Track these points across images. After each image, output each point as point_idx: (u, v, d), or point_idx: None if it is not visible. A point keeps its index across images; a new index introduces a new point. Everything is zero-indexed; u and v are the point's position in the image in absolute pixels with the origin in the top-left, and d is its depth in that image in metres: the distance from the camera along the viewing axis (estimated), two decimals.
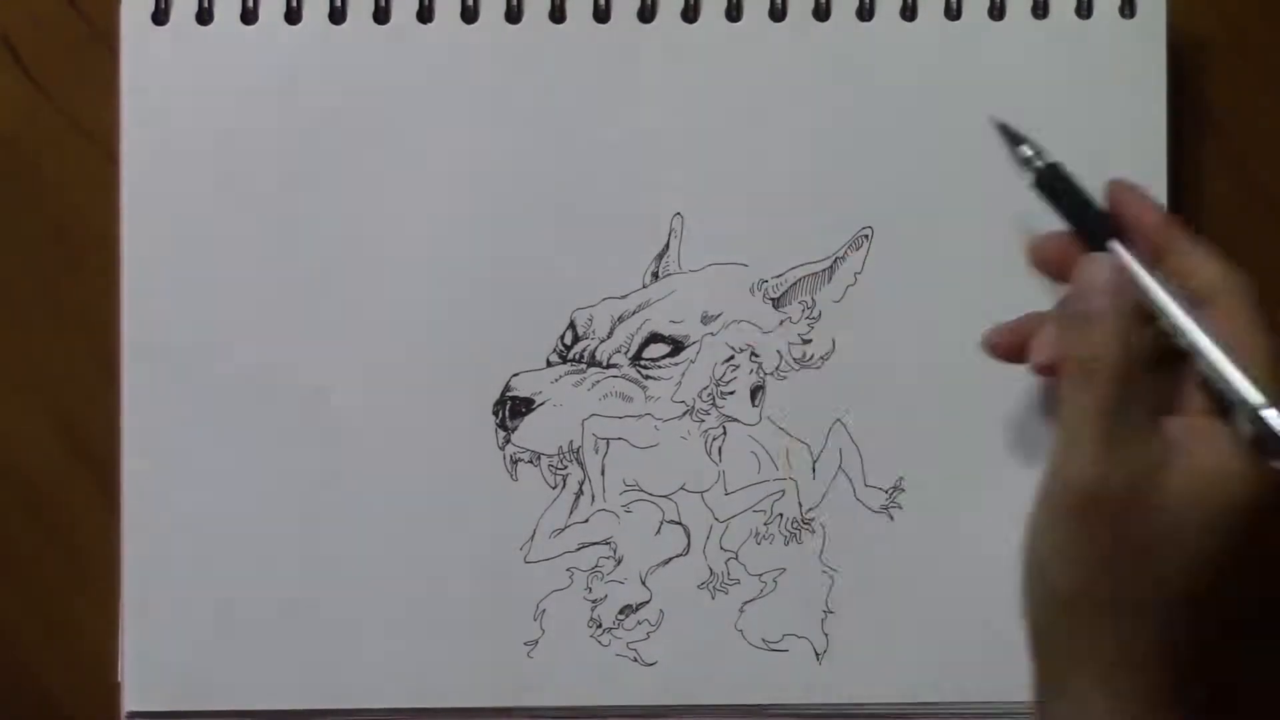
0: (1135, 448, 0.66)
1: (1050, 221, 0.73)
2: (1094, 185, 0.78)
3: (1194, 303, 0.68)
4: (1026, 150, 0.73)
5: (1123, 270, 0.69)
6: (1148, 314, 0.68)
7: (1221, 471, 0.66)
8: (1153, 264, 0.69)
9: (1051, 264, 0.73)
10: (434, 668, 0.79)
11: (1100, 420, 0.66)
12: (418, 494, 0.79)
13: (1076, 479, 0.67)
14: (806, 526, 0.79)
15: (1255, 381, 0.66)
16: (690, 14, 0.80)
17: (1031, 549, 0.69)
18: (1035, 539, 0.69)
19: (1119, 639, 0.67)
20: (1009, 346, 0.74)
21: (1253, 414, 0.65)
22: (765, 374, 0.79)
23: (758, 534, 0.79)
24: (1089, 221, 0.72)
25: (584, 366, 0.79)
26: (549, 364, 0.79)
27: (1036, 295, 0.79)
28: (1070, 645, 0.68)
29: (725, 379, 0.79)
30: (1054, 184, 0.73)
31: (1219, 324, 0.68)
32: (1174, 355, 0.68)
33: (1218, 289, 0.68)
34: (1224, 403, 0.67)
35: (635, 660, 0.79)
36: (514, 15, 0.80)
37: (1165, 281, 0.69)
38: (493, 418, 0.79)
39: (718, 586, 0.79)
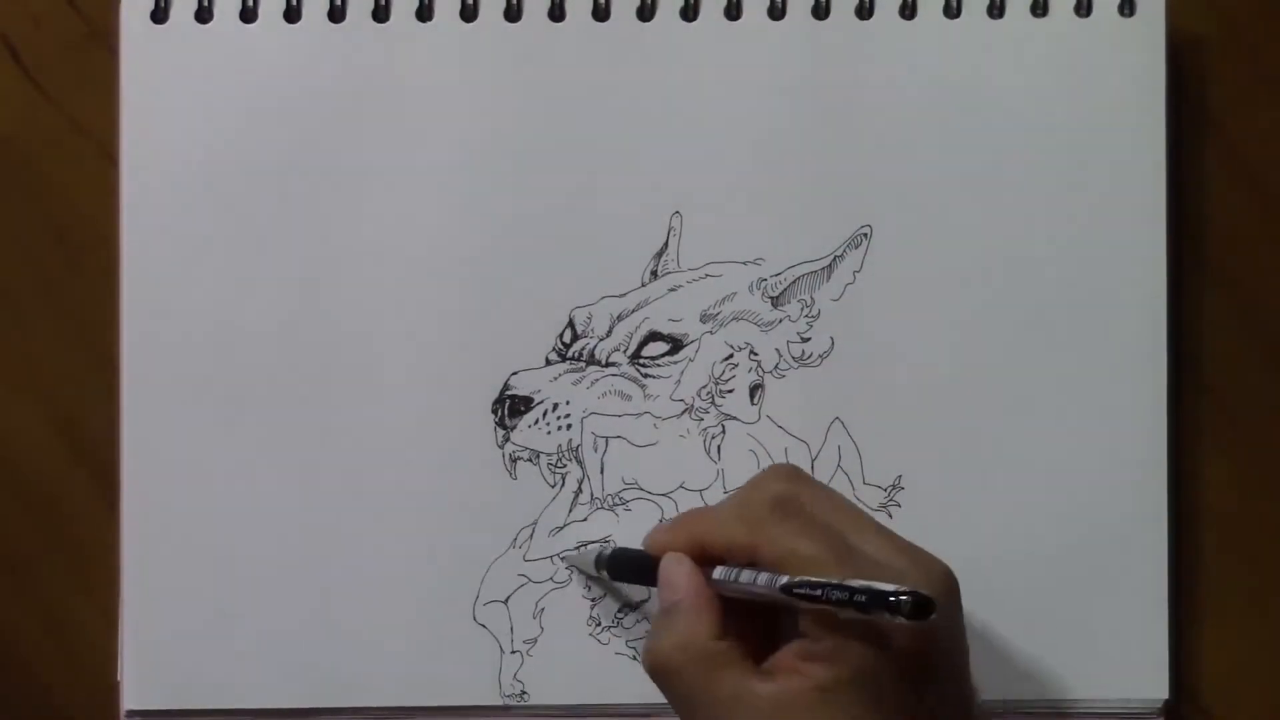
0: (743, 711, 0.67)
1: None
2: (1094, 185, 0.79)
3: (744, 557, 0.70)
4: (601, 555, 0.78)
5: (682, 569, 0.72)
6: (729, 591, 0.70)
7: (833, 678, 0.66)
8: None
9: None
10: (433, 666, 0.79)
11: (695, 706, 0.69)
12: (417, 492, 0.79)
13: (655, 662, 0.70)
14: None
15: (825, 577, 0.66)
16: (690, 13, 0.80)
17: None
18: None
19: None
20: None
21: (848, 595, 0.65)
22: (764, 372, 0.79)
23: None
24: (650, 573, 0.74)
25: (583, 365, 0.79)
26: (548, 362, 0.79)
27: (1036, 294, 0.79)
28: None
29: (724, 377, 0.79)
30: (621, 562, 0.77)
31: (768, 559, 0.68)
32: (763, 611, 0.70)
33: (744, 536, 0.70)
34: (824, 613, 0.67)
35: (634, 659, 0.79)
36: (514, 15, 0.80)
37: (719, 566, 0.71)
38: (492, 416, 0.79)
39: None
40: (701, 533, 0.72)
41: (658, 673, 0.70)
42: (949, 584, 0.68)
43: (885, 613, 0.63)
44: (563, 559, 0.79)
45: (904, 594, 0.63)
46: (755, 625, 0.70)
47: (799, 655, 0.67)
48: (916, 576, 0.66)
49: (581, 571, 0.79)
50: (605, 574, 0.77)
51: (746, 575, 0.69)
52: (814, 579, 0.65)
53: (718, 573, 0.70)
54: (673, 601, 0.71)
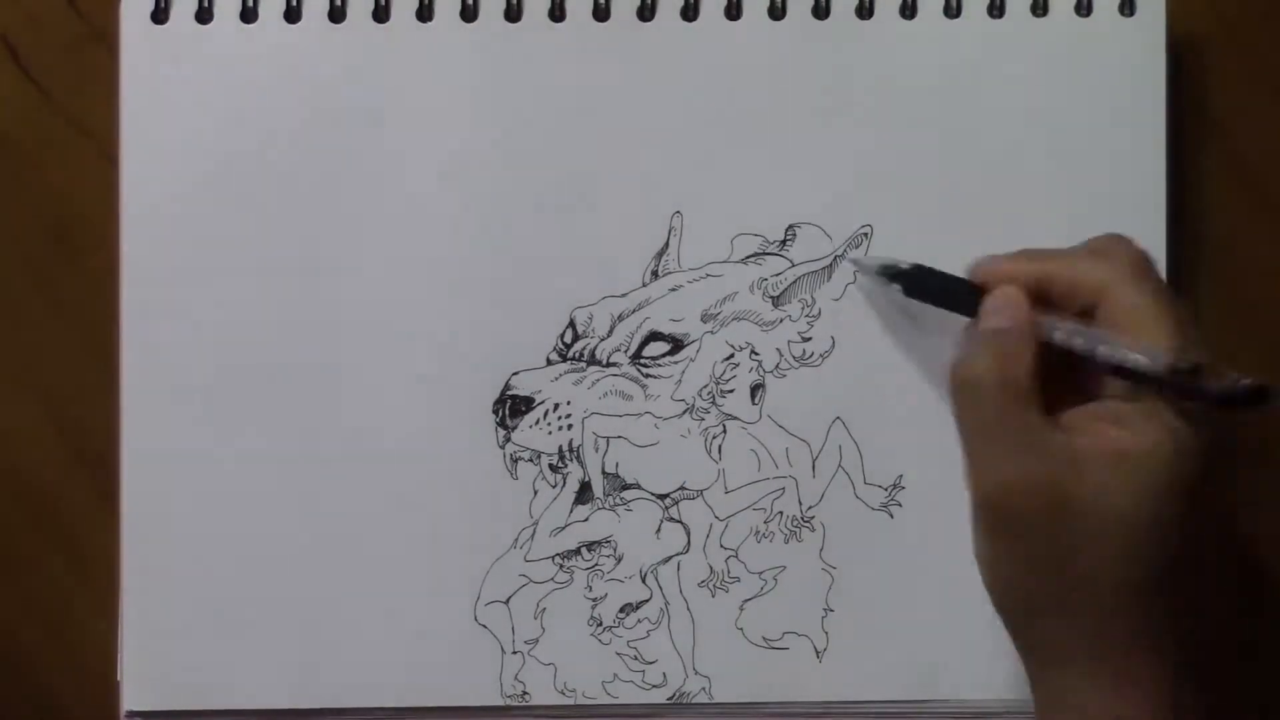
0: (1039, 450, 0.67)
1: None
2: (1094, 185, 0.79)
3: (1092, 298, 0.70)
4: (887, 266, 0.77)
5: (1015, 301, 0.71)
6: (1046, 337, 0.70)
7: (1129, 450, 0.66)
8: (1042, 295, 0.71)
9: None
10: (433, 667, 0.79)
11: (991, 430, 0.68)
12: (418, 493, 0.79)
13: (986, 492, 0.68)
14: (806, 525, 0.79)
15: (1171, 350, 0.67)
16: (690, 13, 0.80)
17: (976, 554, 0.70)
18: (976, 545, 0.70)
19: (1078, 634, 0.67)
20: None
21: (1162, 365, 0.66)
22: (765, 372, 0.79)
23: (758, 532, 0.79)
24: (966, 299, 0.73)
25: (584, 365, 0.79)
26: (549, 362, 0.79)
27: None
28: (1035, 637, 0.69)
29: (725, 377, 0.79)
30: (924, 282, 0.76)
31: (1118, 308, 0.69)
32: (1074, 374, 0.70)
33: (1105, 283, 0.69)
34: (1134, 380, 0.67)
35: (635, 658, 0.79)
36: (514, 15, 0.80)
37: (1047, 314, 0.70)
38: (493, 416, 0.79)
39: (718, 585, 0.79)
40: (1048, 266, 0.71)
41: (965, 388, 0.69)
42: None
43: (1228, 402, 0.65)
44: (850, 260, 0.79)
45: (1251, 382, 0.64)
46: (1057, 375, 0.70)
47: (1099, 417, 0.67)
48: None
49: (863, 276, 0.78)
50: (898, 288, 0.76)
51: (1092, 337, 0.69)
52: (1179, 364, 0.66)
53: (1060, 332, 0.70)
54: (998, 327, 0.70)
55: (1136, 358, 0.67)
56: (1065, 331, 0.69)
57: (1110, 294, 0.69)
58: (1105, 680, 0.67)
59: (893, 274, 0.77)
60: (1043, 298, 0.71)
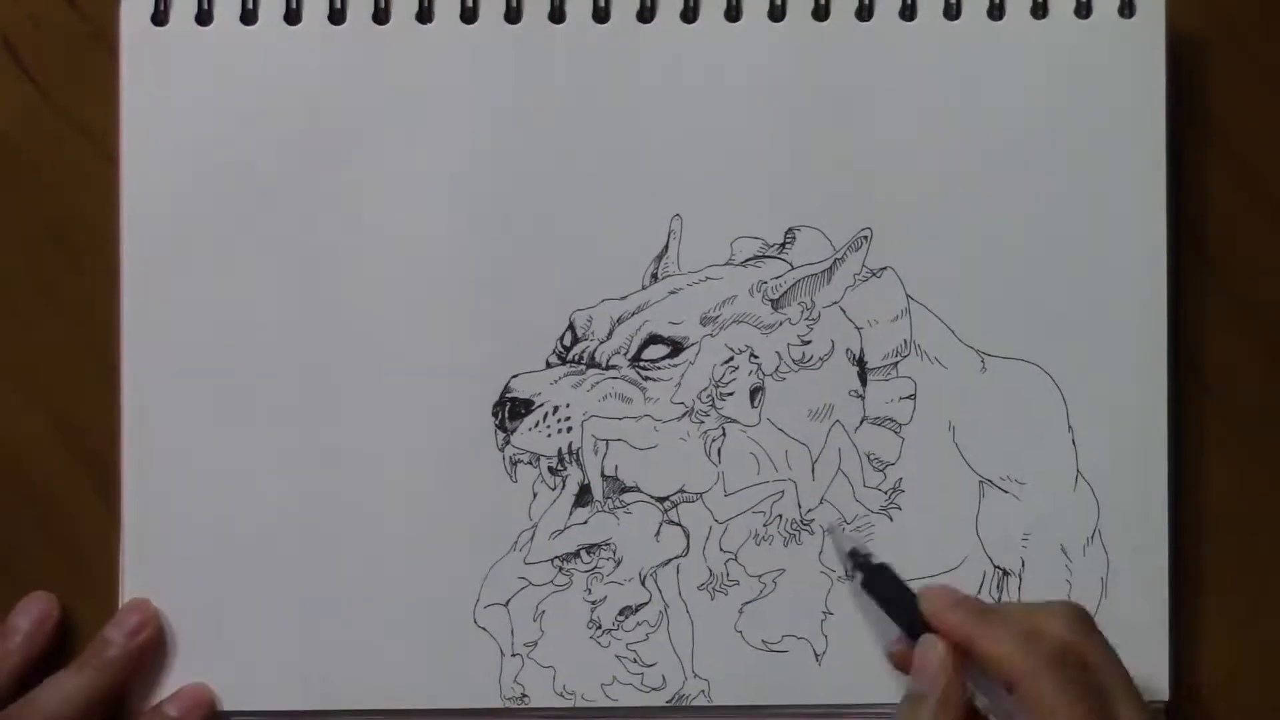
0: None
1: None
2: (1094, 185, 0.79)
3: (1008, 681, 0.71)
4: (858, 552, 0.78)
5: (945, 659, 0.73)
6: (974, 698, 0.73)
7: None
8: (964, 653, 0.73)
9: (901, 660, 0.77)
10: (432, 669, 0.79)
11: None
12: (417, 495, 0.79)
13: None
14: (805, 528, 0.79)
15: None
16: (690, 14, 0.80)
17: None
18: None
19: None
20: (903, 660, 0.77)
21: None
22: (764, 375, 0.79)
23: (757, 535, 0.79)
24: (910, 621, 0.75)
25: (583, 368, 0.79)
26: (548, 365, 0.79)
27: (1035, 294, 0.79)
28: None
29: (724, 380, 0.79)
30: (880, 582, 0.77)
31: (1030, 702, 0.70)
32: None
33: (1020, 669, 0.70)
34: None
35: (635, 661, 0.79)
36: (514, 15, 0.80)
37: (975, 672, 0.73)
38: (492, 419, 0.79)
39: (717, 588, 0.79)
40: (979, 638, 0.72)
41: None
42: None
43: None
44: (828, 530, 0.79)
45: None
46: None
47: None
48: None
49: (834, 545, 0.79)
50: (858, 576, 0.77)
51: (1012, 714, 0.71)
52: None
53: (975, 689, 0.73)
54: (921, 692, 0.73)
55: None
56: (992, 706, 0.73)
57: (1024, 685, 0.70)
58: None
59: (859, 562, 0.78)
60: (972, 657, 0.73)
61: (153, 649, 0.79)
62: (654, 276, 0.79)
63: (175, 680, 0.80)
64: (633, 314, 0.79)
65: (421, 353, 0.79)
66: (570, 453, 0.79)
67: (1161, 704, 0.79)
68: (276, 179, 0.80)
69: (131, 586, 0.80)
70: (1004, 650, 0.71)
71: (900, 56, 0.80)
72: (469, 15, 0.80)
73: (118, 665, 0.78)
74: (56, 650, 0.81)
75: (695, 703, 0.79)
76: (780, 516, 0.79)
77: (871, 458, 0.79)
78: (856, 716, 0.80)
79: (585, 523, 0.79)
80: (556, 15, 0.80)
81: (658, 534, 0.79)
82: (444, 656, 0.79)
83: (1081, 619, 0.73)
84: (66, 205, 0.82)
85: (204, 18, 0.80)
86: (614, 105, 0.80)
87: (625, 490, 0.79)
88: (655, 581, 0.79)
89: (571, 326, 0.79)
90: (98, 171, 0.81)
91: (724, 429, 0.79)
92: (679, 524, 0.79)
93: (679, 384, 0.79)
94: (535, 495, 0.79)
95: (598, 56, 0.80)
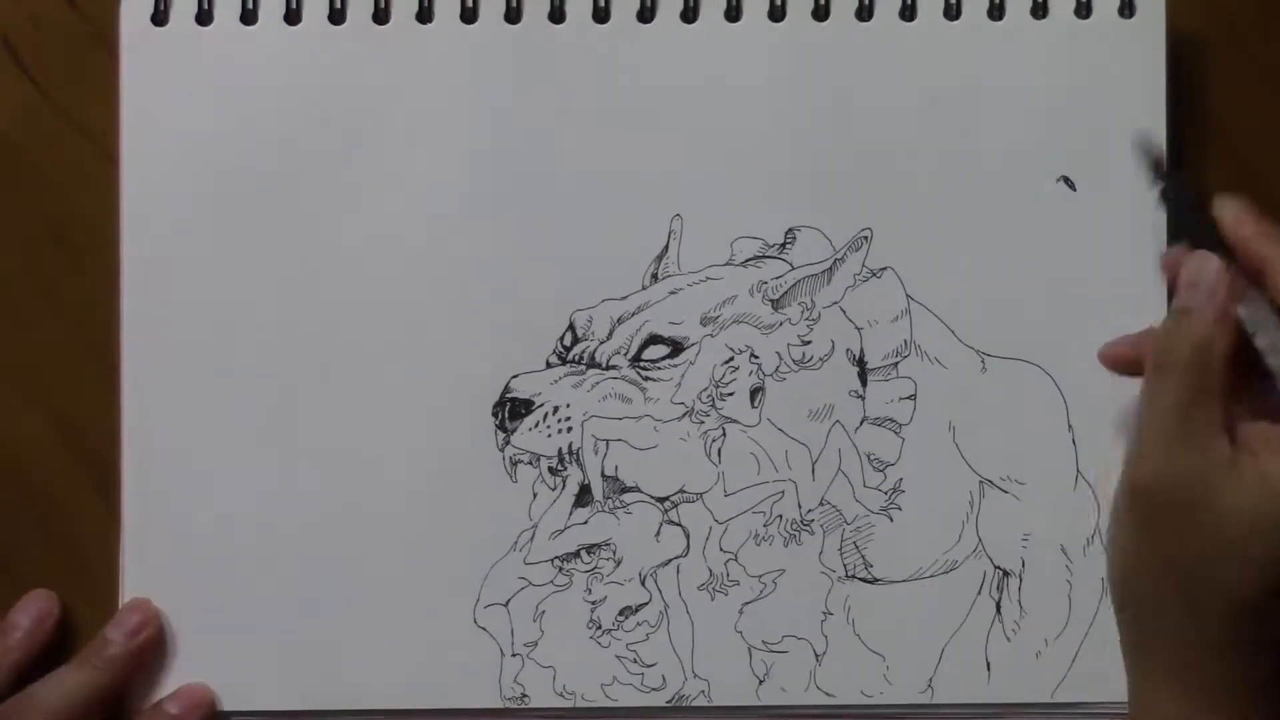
0: (1202, 449, 0.66)
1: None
2: (1095, 188, 0.79)
3: None
4: (1160, 162, 0.75)
5: (1223, 276, 0.69)
6: (1244, 327, 0.69)
7: None
8: (1253, 281, 0.69)
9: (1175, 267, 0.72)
10: (433, 668, 0.79)
11: (1168, 417, 0.67)
12: (417, 495, 0.79)
13: (1138, 476, 0.68)
14: (806, 528, 0.79)
15: None
16: (690, 14, 0.80)
17: (1109, 541, 0.70)
18: (1111, 531, 0.70)
19: (1181, 637, 0.67)
20: (1121, 359, 0.75)
21: None
22: (765, 375, 0.79)
23: (757, 535, 0.79)
24: (1201, 231, 0.71)
25: (583, 368, 0.79)
26: (548, 365, 0.79)
27: (1035, 295, 0.79)
28: (1138, 635, 0.69)
29: (725, 380, 0.79)
30: (1176, 194, 0.74)
31: None
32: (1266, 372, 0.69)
33: None
34: None
35: (635, 661, 0.79)
36: (514, 15, 0.80)
37: (1260, 299, 0.69)
38: (492, 419, 0.79)
39: (717, 588, 0.79)
40: (1273, 262, 0.69)
41: (1159, 358, 0.68)
42: None
43: None
44: (1135, 140, 0.76)
45: None
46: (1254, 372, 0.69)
47: (1266, 442, 0.66)
48: None
49: (1140, 151, 0.76)
50: (1158, 189, 0.74)
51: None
52: None
53: (1245, 315, 0.68)
54: (1189, 306, 0.69)
55: None
56: (1268, 339, 0.68)
57: None
58: (1193, 691, 0.67)
59: (1162, 173, 0.75)
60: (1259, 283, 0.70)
61: (153, 649, 0.79)
62: (654, 276, 0.79)
63: (175, 680, 0.80)
64: (633, 314, 0.79)
65: (421, 353, 0.79)
66: (570, 453, 0.79)
67: None
68: (276, 179, 0.80)
69: (131, 586, 0.80)
70: None
71: (900, 56, 0.80)
72: (469, 15, 0.80)
73: (118, 664, 0.78)
74: (56, 648, 0.81)
75: (695, 703, 0.79)
76: (780, 517, 0.79)
77: (871, 458, 0.79)
78: (856, 716, 0.80)
79: (585, 523, 0.79)
80: (556, 15, 0.80)
81: (658, 534, 0.79)
82: (444, 656, 0.79)
83: None
84: (66, 205, 0.82)
85: (204, 18, 0.80)
86: (614, 105, 0.80)
87: (625, 490, 0.79)
88: (655, 582, 0.79)
89: (572, 326, 0.79)
90: (98, 171, 0.81)
91: (724, 429, 0.79)
92: (679, 524, 0.79)
93: (679, 384, 0.79)
94: (535, 495, 0.79)
95: (598, 56, 0.80)
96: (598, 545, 0.79)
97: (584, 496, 0.79)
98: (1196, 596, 0.66)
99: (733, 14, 0.80)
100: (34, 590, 0.80)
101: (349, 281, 0.79)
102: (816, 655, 0.79)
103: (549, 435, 0.79)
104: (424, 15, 0.80)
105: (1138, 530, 0.68)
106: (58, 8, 0.82)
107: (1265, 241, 0.70)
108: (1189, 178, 0.75)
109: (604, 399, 0.79)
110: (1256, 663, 0.67)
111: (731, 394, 0.79)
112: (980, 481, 0.79)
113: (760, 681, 0.79)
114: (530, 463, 0.79)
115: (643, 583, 0.79)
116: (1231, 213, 0.71)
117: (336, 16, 0.80)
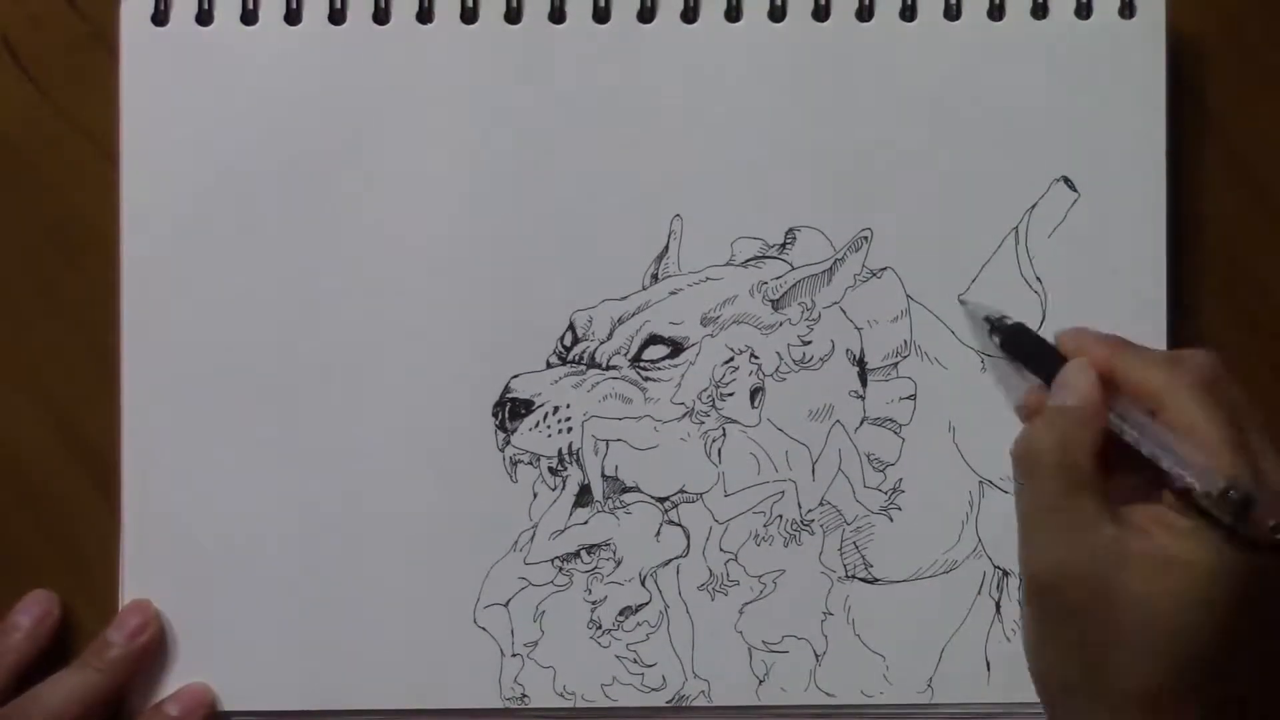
0: (1085, 537, 0.66)
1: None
2: (1095, 188, 0.79)
3: (1152, 404, 0.69)
4: (992, 317, 0.77)
5: (1091, 376, 0.70)
6: (1113, 426, 0.69)
7: (1178, 554, 0.65)
8: (1111, 387, 0.70)
9: (1034, 407, 0.74)
10: (433, 668, 0.79)
11: (1044, 514, 0.67)
12: (418, 495, 0.79)
13: (1032, 569, 0.68)
14: (806, 528, 0.79)
15: (1206, 464, 0.66)
16: (690, 15, 0.80)
17: (1021, 631, 0.70)
18: (1021, 622, 0.70)
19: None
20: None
21: (1210, 490, 0.65)
22: (765, 375, 0.79)
23: (757, 535, 0.79)
24: (1052, 366, 0.72)
25: (583, 368, 0.79)
26: (549, 365, 0.79)
27: (1035, 297, 0.79)
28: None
29: (725, 380, 0.79)
30: (1020, 341, 0.76)
31: (1174, 420, 0.68)
32: (1142, 462, 0.69)
33: (1165, 390, 0.68)
34: (1187, 495, 0.66)
35: (635, 661, 0.79)
36: (514, 15, 0.80)
37: (1120, 397, 0.70)
38: (492, 419, 0.79)
39: (717, 588, 0.79)
40: (1121, 362, 0.70)
41: (1025, 461, 0.69)
42: None
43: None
44: (962, 301, 0.79)
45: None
46: (1117, 466, 0.69)
47: (1155, 520, 0.67)
48: None
49: (970, 320, 0.79)
50: (996, 340, 0.77)
51: (1155, 432, 0.68)
52: (1223, 484, 0.65)
53: (1113, 416, 0.69)
54: (1065, 405, 0.70)
55: (1188, 477, 0.66)
56: (1133, 426, 0.69)
57: (1168, 404, 0.68)
58: None
59: (995, 325, 0.77)
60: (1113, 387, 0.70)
61: (153, 650, 0.79)
62: (654, 277, 0.79)
63: (175, 680, 0.80)
64: (633, 314, 0.79)
65: (422, 353, 0.79)
66: (570, 453, 0.79)
67: None
68: (276, 179, 0.80)
69: (131, 586, 0.80)
70: (1149, 373, 0.69)
71: (900, 56, 0.80)
72: (469, 15, 0.80)
73: (118, 666, 0.78)
74: (56, 648, 0.81)
75: (695, 703, 0.79)
76: (780, 517, 0.79)
77: (871, 458, 0.79)
78: (856, 716, 0.80)
79: (585, 523, 0.79)
80: (556, 15, 0.80)
81: (658, 534, 0.79)
82: (444, 656, 0.79)
83: (1221, 364, 0.70)
84: (66, 205, 0.82)
85: (204, 18, 0.80)
86: (614, 105, 0.80)
87: (625, 490, 0.79)
88: (655, 582, 0.79)
89: (572, 327, 0.79)
90: (98, 171, 0.81)
91: (724, 429, 0.79)
92: (679, 524, 0.79)
93: (679, 384, 0.79)
94: (535, 495, 0.79)
95: (598, 56, 0.80)
96: (598, 545, 0.79)
97: (584, 497, 0.79)
98: (1111, 685, 0.66)
99: (733, 14, 0.80)
100: (34, 591, 0.80)
101: (348, 281, 0.79)
102: (816, 655, 0.79)
103: (549, 435, 0.79)
104: (424, 15, 0.80)
105: (1038, 620, 0.68)
106: (58, 8, 0.82)
107: (1112, 349, 0.71)
108: (1025, 326, 0.77)
109: (604, 399, 0.79)
110: None
111: (731, 394, 0.79)
112: (980, 481, 0.79)
113: (760, 681, 0.79)
114: (530, 463, 0.79)
115: (643, 583, 0.79)
116: (1075, 340, 0.72)
117: (336, 16, 0.80)
